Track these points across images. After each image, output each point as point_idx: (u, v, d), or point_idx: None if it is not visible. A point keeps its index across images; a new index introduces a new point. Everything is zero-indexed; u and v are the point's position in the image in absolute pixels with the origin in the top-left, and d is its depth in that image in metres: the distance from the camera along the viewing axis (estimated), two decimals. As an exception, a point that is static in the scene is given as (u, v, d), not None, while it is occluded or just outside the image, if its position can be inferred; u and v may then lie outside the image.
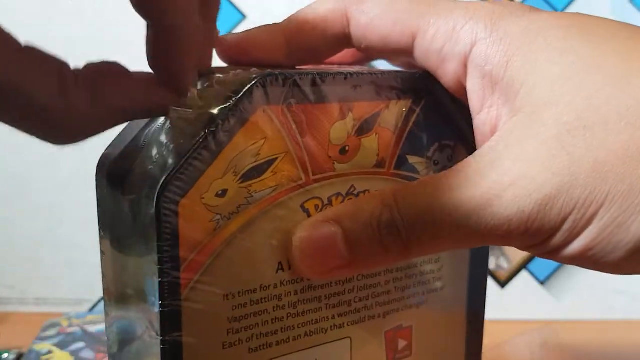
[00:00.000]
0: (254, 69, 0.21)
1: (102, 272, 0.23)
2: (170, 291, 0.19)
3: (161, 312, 0.19)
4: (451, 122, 0.24)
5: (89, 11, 0.53)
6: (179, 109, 0.19)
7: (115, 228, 0.21)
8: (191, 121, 0.19)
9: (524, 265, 0.57)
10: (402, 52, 0.22)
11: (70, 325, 0.48)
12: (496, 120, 0.21)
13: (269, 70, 0.20)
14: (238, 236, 0.20)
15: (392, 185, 0.23)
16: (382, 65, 0.25)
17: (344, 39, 0.23)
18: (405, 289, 0.24)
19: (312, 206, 0.21)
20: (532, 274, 0.57)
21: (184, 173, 0.18)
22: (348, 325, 0.23)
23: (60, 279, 0.56)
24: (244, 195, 0.20)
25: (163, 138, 0.20)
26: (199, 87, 0.20)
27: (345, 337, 0.23)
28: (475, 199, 0.19)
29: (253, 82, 0.19)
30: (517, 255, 0.56)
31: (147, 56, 0.19)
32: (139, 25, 0.18)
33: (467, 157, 0.20)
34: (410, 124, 0.23)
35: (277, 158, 0.20)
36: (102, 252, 0.22)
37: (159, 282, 0.19)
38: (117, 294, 0.22)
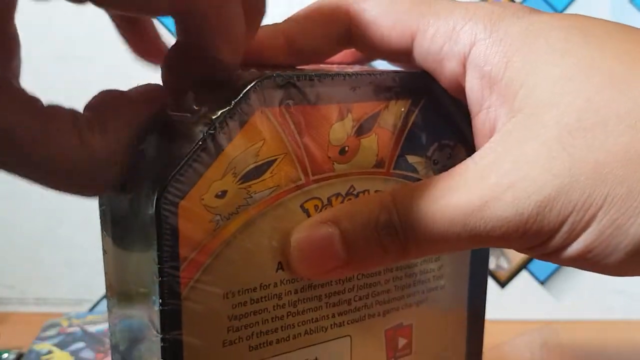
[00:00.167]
0: (252, 70, 0.21)
1: (105, 271, 0.23)
2: (170, 290, 0.19)
3: (161, 311, 0.19)
4: (450, 121, 0.24)
5: (89, 11, 0.53)
6: (178, 113, 0.20)
7: (117, 225, 0.21)
8: (190, 124, 0.19)
9: (524, 265, 0.57)
10: (401, 52, 0.22)
11: (70, 325, 0.48)
12: (494, 121, 0.21)
13: (266, 72, 0.20)
14: (238, 236, 0.20)
15: (392, 186, 0.23)
16: (381, 65, 0.25)
17: (344, 39, 0.23)
18: (405, 288, 0.24)
19: (311, 206, 0.21)
20: (532, 274, 0.57)
21: (183, 175, 0.19)
22: (348, 323, 0.23)
23: (60, 279, 0.56)
24: (243, 196, 0.20)
25: (163, 140, 0.20)
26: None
27: (345, 336, 0.23)
28: (474, 201, 0.19)
29: (251, 85, 0.19)
30: (517, 255, 0.56)
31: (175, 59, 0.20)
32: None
33: (466, 156, 0.20)
34: (410, 123, 0.23)
35: (276, 159, 0.20)
36: (105, 251, 0.22)
37: (159, 281, 0.19)
38: (120, 291, 0.22)
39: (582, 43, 0.19)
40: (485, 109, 0.21)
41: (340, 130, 0.21)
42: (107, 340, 0.45)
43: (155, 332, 0.20)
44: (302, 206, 0.21)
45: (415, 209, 0.20)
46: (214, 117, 0.19)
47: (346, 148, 0.22)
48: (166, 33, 0.45)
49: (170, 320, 0.19)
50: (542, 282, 0.57)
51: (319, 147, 0.21)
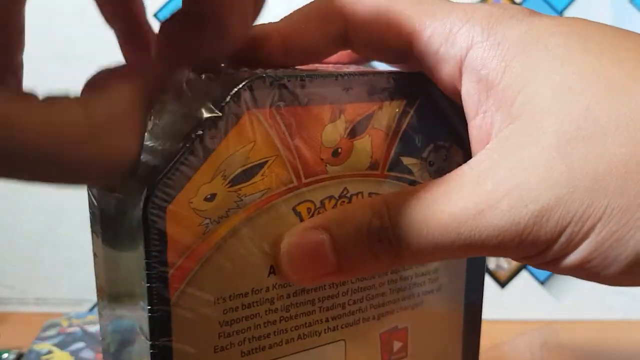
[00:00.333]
0: (244, 69, 0.20)
1: (95, 273, 0.22)
2: (158, 296, 0.19)
3: (150, 317, 0.19)
4: (447, 122, 0.23)
5: (89, 11, 0.53)
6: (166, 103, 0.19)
7: (108, 226, 0.21)
8: (178, 122, 0.19)
9: (524, 265, 0.57)
10: (398, 54, 0.22)
11: (70, 325, 0.48)
12: (490, 126, 0.20)
13: (257, 72, 0.20)
14: (228, 240, 0.20)
15: (386, 188, 0.23)
16: (380, 65, 0.25)
17: (340, 40, 0.23)
18: (400, 291, 0.24)
19: (304, 209, 0.21)
20: (532, 274, 0.57)
21: (170, 178, 0.18)
22: (342, 327, 0.23)
23: (60, 279, 0.56)
24: (233, 199, 0.20)
25: (150, 139, 0.20)
26: (188, 83, 0.20)
27: (339, 340, 0.23)
28: (469, 208, 0.18)
29: (240, 86, 0.19)
30: (517, 255, 0.56)
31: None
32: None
33: (462, 157, 0.20)
34: (404, 125, 0.23)
35: (267, 161, 0.20)
36: (95, 254, 0.22)
37: (147, 287, 0.19)
38: (110, 293, 0.22)
39: (582, 49, 0.19)
40: (481, 113, 0.20)
41: (332, 131, 0.21)
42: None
43: (144, 338, 0.19)
44: (294, 209, 0.21)
45: (409, 216, 0.19)
46: (202, 118, 0.19)
47: (339, 150, 0.21)
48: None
49: (160, 327, 0.19)
50: (542, 282, 0.57)
51: (311, 149, 0.21)
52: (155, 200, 0.18)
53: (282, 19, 0.23)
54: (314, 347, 0.23)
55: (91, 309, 0.57)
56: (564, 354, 0.47)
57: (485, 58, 0.20)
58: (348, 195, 0.22)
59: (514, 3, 0.55)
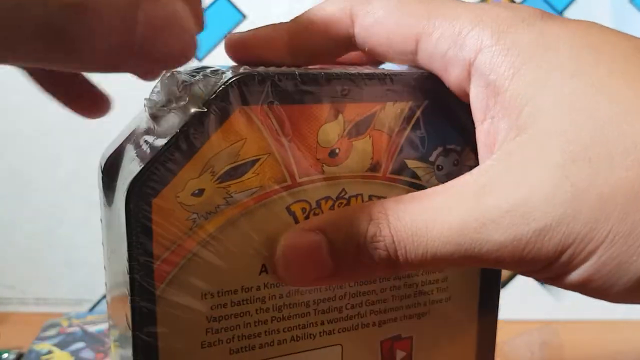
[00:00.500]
0: (245, 67, 0.20)
1: (104, 265, 0.23)
2: (142, 287, 0.19)
3: (132, 307, 0.19)
4: (458, 125, 0.23)
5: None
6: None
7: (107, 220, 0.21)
8: (169, 118, 0.19)
9: (524, 265, 0.57)
10: (405, 55, 0.22)
11: (70, 325, 0.48)
12: (497, 133, 0.20)
13: (246, 70, 0.20)
14: (217, 236, 0.20)
15: (388, 190, 0.22)
16: (390, 66, 0.25)
17: (348, 41, 0.23)
18: (404, 298, 0.24)
19: (298, 209, 0.21)
20: (532, 274, 0.57)
21: (155, 173, 0.18)
22: (339, 332, 0.23)
23: (60, 279, 0.56)
24: (222, 196, 0.20)
25: (144, 134, 0.20)
26: (183, 83, 0.20)
27: (335, 344, 0.23)
28: (470, 221, 0.18)
29: (227, 83, 0.19)
30: (517, 255, 0.56)
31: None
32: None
33: (475, 162, 0.20)
34: (410, 126, 0.22)
35: (259, 159, 0.20)
36: (103, 244, 0.23)
37: (130, 277, 0.19)
38: (110, 285, 0.22)
39: (593, 63, 0.19)
40: (489, 118, 0.20)
41: (330, 131, 0.21)
42: (107, 340, 0.45)
43: (127, 327, 0.19)
44: (288, 208, 0.21)
45: (408, 224, 0.19)
46: (189, 114, 0.19)
47: (337, 150, 0.21)
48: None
49: (143, 318, 0.19)
50: (542, 282, 0.57)
51: (306, 148, 0.21)
52: (139, 194, 0.18)
53: (292, 19, 0.23)
54: (308, 350, 0.22)
55: (91, 309, 0.57)
56: (564, 354, 0.47)
57: (494, 63, 0.20)
58: (346, 196, 0.22)
59: (514, 2, 0.55)
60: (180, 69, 0.21)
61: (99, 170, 0.22)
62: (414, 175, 0.23)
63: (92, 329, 0.48)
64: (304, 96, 0.20)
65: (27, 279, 0.56)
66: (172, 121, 0.19)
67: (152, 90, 0.20)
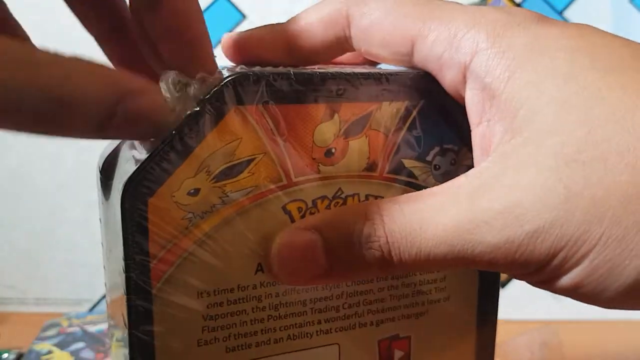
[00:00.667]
0: (241, 66, 0.20)
1: (104, 265, 0.23)
2: (138, 286, 0.19)
3: (128, 306, 0.19)
4: (455, 124, 0.23)
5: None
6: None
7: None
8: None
9: (524, 265, 0.56)
10: (401, 57, 0.22)
11: (70, 325, 0.48)
12: (492, 136, 0.20)
13: (242, 70, 0.20)
14: (213, 235, 0.20)
15: (385, 190, 0.22)
16: (386, 65, 0.25)
17: (344, 41, 0.23)
18: (401, 298, 0.24)
19: (294, 208, 0.21)
20: (532, 274, 0.57)
21: (151, 172, 0.19)
22: (336, 331, 0.23)
23: (60, 279, 0.56)
24: (218, 195, 0.20)
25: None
26: (179, 83, 0.20)
27: (332, 343, 0.23)
28: (464, 223, 0.18)
29: (222, 82, 0.19)
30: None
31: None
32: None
33: (473, 162, 0.20)
34: (406, 126, 0.22)
35: (254, 158, 0.20)
36: (102, 244, 0.23)
37: (126, 276, 0.19)
38: (109, 285, 0.22)
39: (589, 67, 0.18)
40: (485, 121, 0.20)
41: (326, 131, 0.21)
42: (107, 340, 0.45)
43: (124, 326, 0.20)
44: (284, 207, 0.21)
45: (402, 224, 0.19)
46: (185, 114, 0.19)
47: (333, 150, 0.21)
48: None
49: (139, 317, 0.19)
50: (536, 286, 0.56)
51: (301, 148, 0.21)
52: (136, 193, 0.18)
53: (287, 20, 0.23)
54: (305, 349, 0.22)
55: (91, 309, 0.57)
56: (564, 354, 0.46)
57: (489, 66, 0.20)
58: (343, 196, 0.22)
59: (514, 3, 0.55)
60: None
61: (97, 171, 0.22)
62: (411, 175, 0.23)
63: (92, 329, 0.48)
64: (299, 96, 0.20)
65: (27, 279, 0.56)
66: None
67: None
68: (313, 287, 0.22)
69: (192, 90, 0.19)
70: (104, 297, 0.56)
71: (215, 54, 0.21)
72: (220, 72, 0.20)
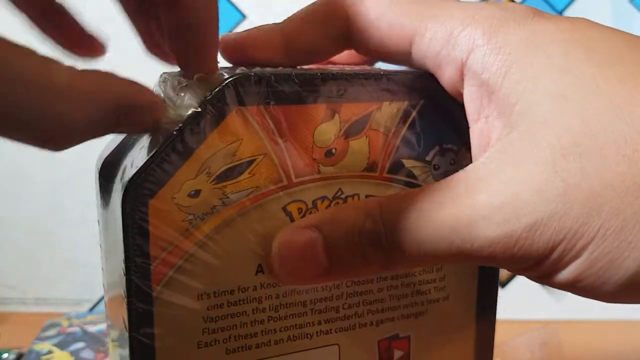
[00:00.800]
0: (241, 68, 0.20)
1: (102, 267, 0.23)
2: (138, 288, 0.19)
3: (129, 309, 0.19)
4: (454, 124, 0.23)
5: (89, 11, 0.53)
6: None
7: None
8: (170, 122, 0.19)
9: (524, 265, 0.56)
10: (400, 55, 0.22)
11: (70, 325, 0.48)
12: (491, 132, 0.20)
13: (243, 71, 0.20)
14: (213, 236, 0.20)
15: (385, 190, 0.22)
16: (386, 65, 0.25)
17: (342, 40, 0.23)
18: (401, 298, 0.24)
19: (295, 209, 0.21)
20: (532, 274, 0.57)
21: (151, 174, 0.18)
22: (336, 331, 0.23)
23: (60, 279, 0.56)
24: (218, 197, 0.20)
25: (143, 137, 0.20)
26: (180, 84, 0.20)
27: (332, 344, 0.23)
28: (462, 218, 0.18)
29: (223, 84, 0.19)
30: (517, 255, 0.56)
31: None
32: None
33: (471, 162, 0.20)
34: (406, 126, 0.22)
35: (255, 159, 0.20)
36: (100, 245, 0.23)
37: (126, 279, 0.19)
38: (107, 285, 0.22)
39: (584, 59, 0.18)
40: (483, 117, 0.20)
41: (326, 131, 0.21)
42: (107, 341, 0.45)
43: (125, 328, 0.20)
44: (284, 209, 0.21)
45: (402, 220, 0.19)
46: (186, 116, 0.19)
47: (333, 150, 0.21)
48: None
49: (139, 319, 0.19)
50: (535, 281, 0.56)
51: (302, 149, 0.21)
52: (136, 195, 0.18)
53: (284, 20, 0.23)
54: (305, 350, 0.22)
55: (91, 309, 0.57)
56: (564, 354, 0.46)
57: (486, 62, 0.20)
58: (343, 196, 0.22)
59: (514, 1, 0.55)
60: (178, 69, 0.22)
61: (96, 172, 0.22)
62: (411, 175, 0.23)
63: (92, 329, 0.48)
64: (300, 96, 0.20)
65: (27, 279, 0.56)
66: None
67: None
68: (313, 288, 0.22)
69: (193, 90, 0.19)
70: (103, 297, 0.56)
71: (217, 54, 0.21)
72: (220, 74, 0.20)
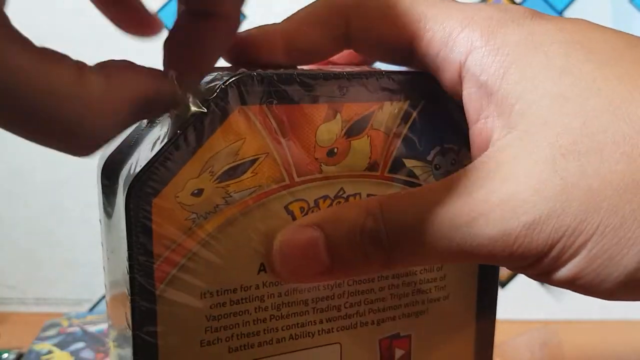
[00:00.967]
0: (242, 69, 0.21)
1: (103, 266, 0.23)
2: (142, 287, 0.19)
3: (132, 307, 0.19)
4: (455, 124, 0.23)
5: (90, 11, 0.53)
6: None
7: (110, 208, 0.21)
8: (172, 120, 0.19)
9: (523, 265, 0.56)
10: (400, 55, 0.22)
11: (70, 325, 0.48)
12: (491, 132, 0.20)
13: (246, 70, 0.20)
14: (216, 235, 0.20)
15: (386, 189, 0.22)
16: (386, 66, 0.25)
17: (342, 40, 0.22)
18: (402, 297, 0.24)
19: (297, 208, 0.21)
20: (532, 274, 0.57)
21: (155, 173, 0.19)
22: (337, 330, 0.23)
23: (60, 279, 0.56)
24: (221, 195, 0.20)
25: (146, 136, 0.20)
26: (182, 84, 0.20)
27: (334, 343, 0.23)
28: (461, 216, 0.18)
29: (227, 83, 0.19)
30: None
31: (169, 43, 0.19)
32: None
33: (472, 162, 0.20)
34: (407, 126, 0.22)
35: (258, 159, 0.20)
36: (102, 244, 0.23)
37: (129, 277, 0.19)
38: (109, 285, 0.22)
39: (584, 60, 0.19)
40: (483, 118, 0.20)
41: (328, 130, 0.21)
42: (107, 340, 0.45)
43: (127, 327, 0.20)
44: (286, 208, 0.21)
45: (402, 219, 0.19)
46: (189, 115, 0.19)
47: (335, 149, 0.21)
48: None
49: (142, 317, 0.19)
50: (535, 279, 0.56)
51: (304, 148, 0.21)
52: (140, 193, 0.18)
53: (284, 20, 0.23)
54: (307, 349, 0.22)
55: (91, 309, 0.57)
56: (564, 354, 0.46)
57: (484, 63, 0.20)
58: (345, 195, 0.22)
59: (514, 2, 0.55)
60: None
61: (98, 171, 0.22)
62: (412, 174, 0.23)
63: (92, 329, 0.48)
64: (302, 96, 0.20)
65: (27, 279, 0.56)
66: (172, 121, 0.20)
67: None
68: (315, 287, 0.22)
69: (196, 89, 0.19)
70: (104, 297, 0.56)
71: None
72: (222, 74, 0.20)
